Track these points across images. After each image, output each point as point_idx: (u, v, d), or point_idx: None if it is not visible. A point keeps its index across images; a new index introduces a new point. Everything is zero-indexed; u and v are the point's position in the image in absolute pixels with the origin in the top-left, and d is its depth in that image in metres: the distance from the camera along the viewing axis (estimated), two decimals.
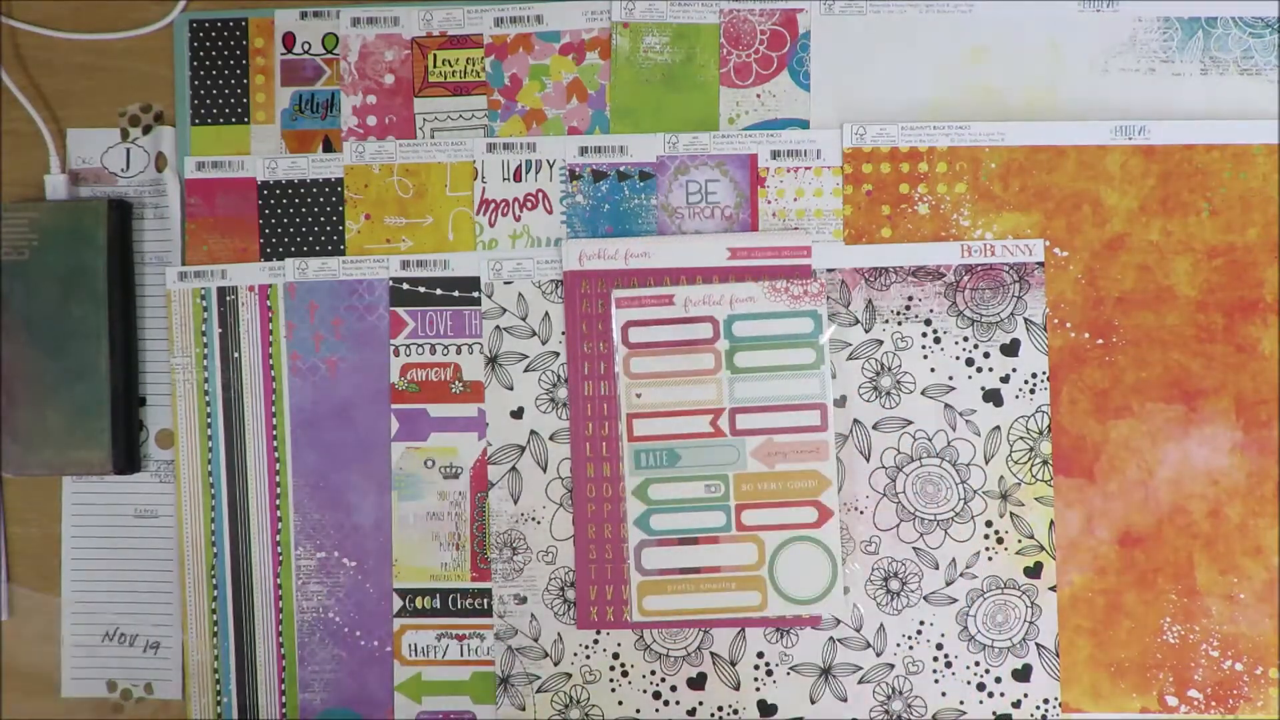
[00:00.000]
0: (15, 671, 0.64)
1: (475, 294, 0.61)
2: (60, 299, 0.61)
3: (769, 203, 0.61)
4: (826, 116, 0.61)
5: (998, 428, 0.60)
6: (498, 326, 0.61)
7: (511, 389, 0.61)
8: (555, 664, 0.61)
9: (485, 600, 0.61)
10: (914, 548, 0.60)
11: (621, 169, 0.61)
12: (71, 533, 0.63)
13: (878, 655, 0.60)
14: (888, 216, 0.60)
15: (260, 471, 0.62)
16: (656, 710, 0.61)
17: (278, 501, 0.62)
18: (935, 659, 0.60)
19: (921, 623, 0.60)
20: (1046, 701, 0.59)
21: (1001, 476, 0.60)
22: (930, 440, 0.60)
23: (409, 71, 0.62)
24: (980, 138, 0.60)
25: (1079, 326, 0.60)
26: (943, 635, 0.60)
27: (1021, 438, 0.60)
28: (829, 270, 0.60)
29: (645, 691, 0.61)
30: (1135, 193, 0.60)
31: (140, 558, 0.63)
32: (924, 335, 0.60)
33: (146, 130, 0.63)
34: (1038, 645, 0.60)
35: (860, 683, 0.60)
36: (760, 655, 0.60)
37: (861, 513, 0.60)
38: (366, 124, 0.62)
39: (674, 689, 0.61)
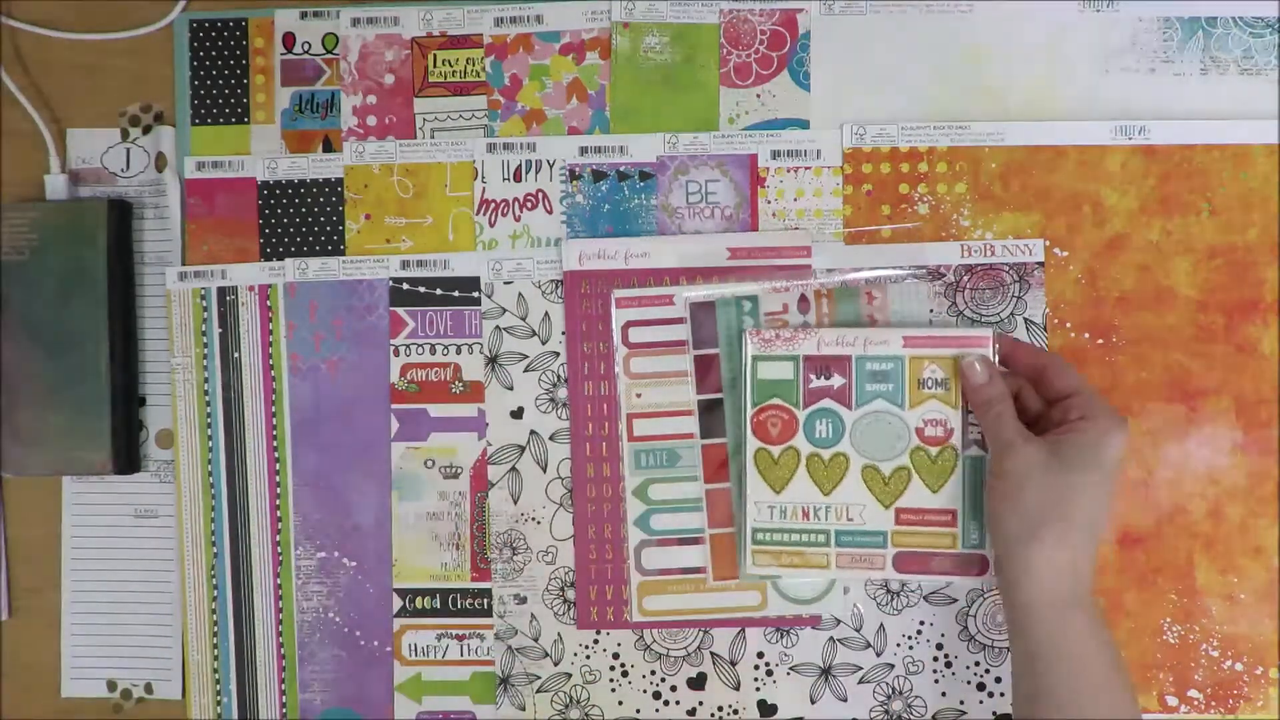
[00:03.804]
0: (15, 671, 0.64)
1: (475, 294, 0.61)
2: (60, 299, 0.61)
3: (769, 203, 0.61)
4: (826, 116, 0.61)
5: None
6: (498, 326, 0.61)
7: (511, 389, 0.61)
8: (555, 664, 0.61)
9: (485, 600, 0.61)
10: None
11: (621, 169, 0.61)
12: (71, 533, 0.63)
13: (878, 655, 0.60)
14: (888, 216, 0.60)
15: (260, 471, 0.62)
16: (656, 710, 0.61)
17: (278, 501, 0.62)
18: (935, 659, 0.60)
19: (921, 623, 0.60)
20: None
21: None
22: None
23: (409, 71, 0.62)
24: (980, 138, 0.60)
25: (1079, 326, 0.60)
26: (943, 635, 0.60)
27: None
28: (829, 270, 0.60)
29: (645, 691, 0.61)
30: (1135, 193, 0.60)
31: (140, 558, 0.63)
32: None
33: (146, 130, 0.63)
34: None
35: (860, 683, 0.60)
36: (760, 655, 0.60)
37: None
38: (366, 124, 0.62)
39: (674, 689, 0.61)
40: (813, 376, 0.57)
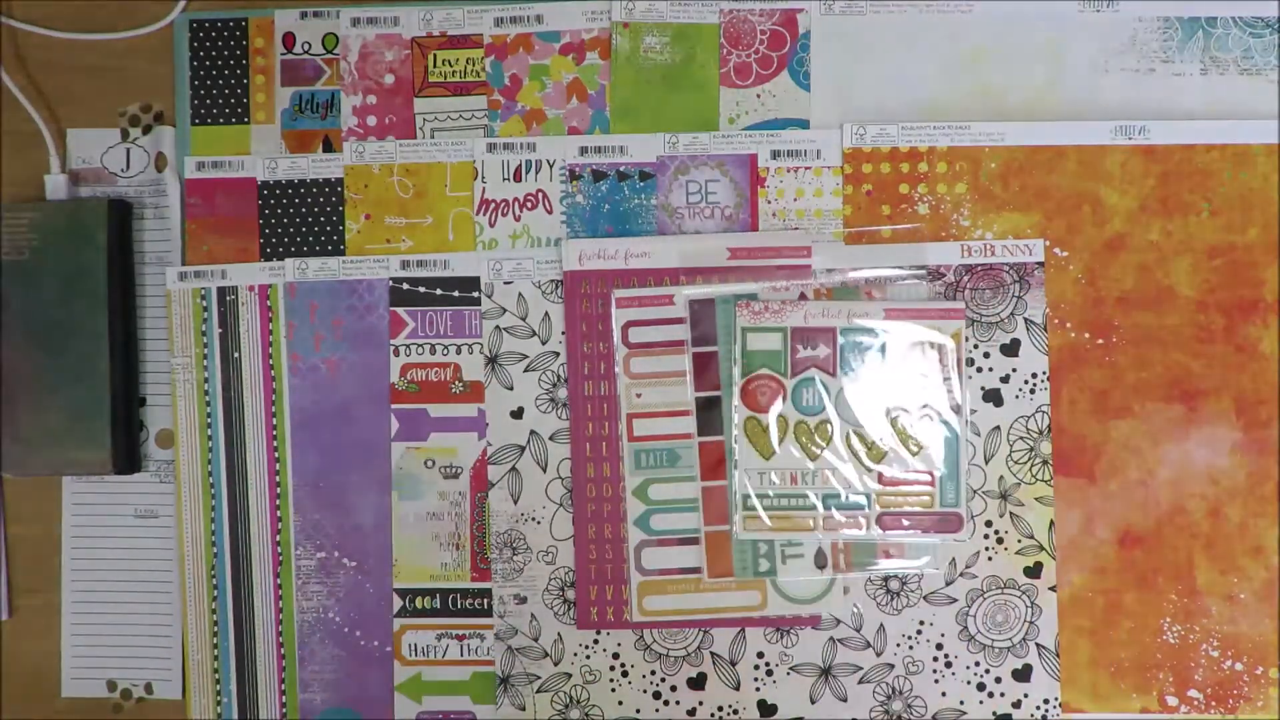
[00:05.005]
0: (15, 671, 0.64)
1: (475, 294, 0.61)
2: (60, 299, 0.61)
3: (769, 203, 0.61)
4: (826, 116, 0.61)
5: (998, 428, 0.60)
6: (498, 326, 0.61)
7: (511, 389, 0.61)
8: (555, 664, 0.61)
9: (485, 600, 0.61)
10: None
11: (621, 169, 0.61)
12: (71, 533, 0.63)
13: (878, 655, 0.60)
14: (888, 216, 0.60)
15: (260, 471, 0.62)
16: (656, 710, 0.61)
17: (278, 501, 0.62)
18: (935, 659, 0.60)
19: (921, 623, 0.60)
20: (1046, 702, 0.60)
21: (1001, 476, 0.60)
22: None
23: (409, 71, 0.62)
24: (980, 138, 0.60)
25: (1079, 326, 0.60)
26: (943, 635, 0.60)
27: (1021, 438, 0.60)
28: (829, 270, 0.60)
29: (645, 691, 0.61)
30: (1135, 193, 0.60)
31: (140, 558, 0.63)
32: None
33: (146, 130, 0.63)
34: (1038, 645, 0.60)
35: (860, 683, 0.60)
36: (760, 655, 0.60)
37: None
38: (366, 124, 0.62)
39: (674, 689, 0.61)
40: (799, 347, 0.59)
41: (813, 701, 0.60)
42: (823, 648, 0.60)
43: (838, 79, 0.61)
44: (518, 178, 0.62)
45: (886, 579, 0.60)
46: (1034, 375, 0.60)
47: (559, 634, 0.61)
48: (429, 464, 0.61)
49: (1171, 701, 0.59)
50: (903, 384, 0.59)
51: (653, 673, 0.61)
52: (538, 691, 0.61)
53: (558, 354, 0.61)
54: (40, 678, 0.63)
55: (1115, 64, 0.60)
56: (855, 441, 0.59)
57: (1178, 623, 0.59)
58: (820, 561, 0.59)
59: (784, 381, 0.59)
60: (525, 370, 0.61)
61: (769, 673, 0.60)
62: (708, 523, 0.60)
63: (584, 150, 0.61)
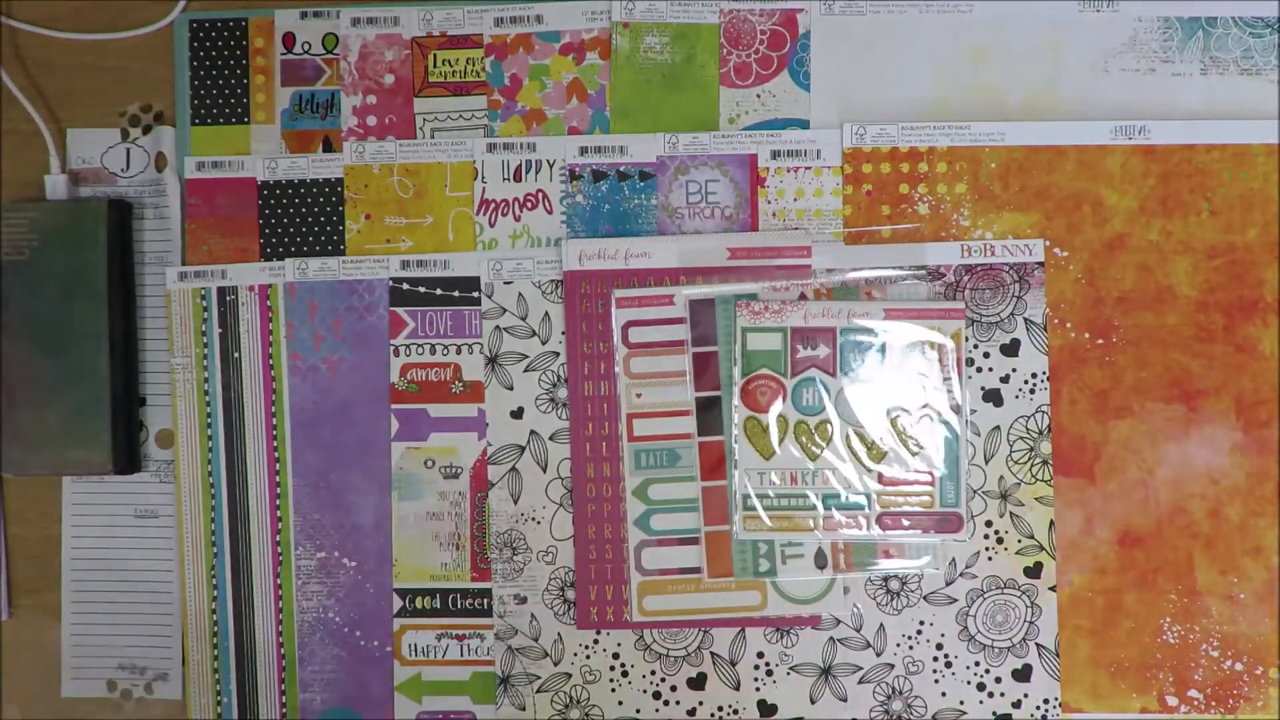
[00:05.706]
0: (15, 671, 0.64)
1: (475, 294, 0.61)
2: (60, 299, 0.61)
3: (769, 203, 0.61)
4: (826, 116, 0.61)
5: (998, 428, 0.60)
6: (498, 326, 0.61)
7: (511, 389, 0.61)
8: (555, 664, 0.61)
9: (485, 600, 0.61)
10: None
11: (621, 169, 0.61)
12: (71, 533, 0.63)
13: (878, 655, 0.60)
14: (888, 216, 0.60)
15: (260, 471, 0.62)
16: (656, 710, 0.61)
17: (278, 501, 0.62)
18: (935, 659, 0.60)
19: (921, 623, 0.60)
20: (1046, 701, 0.60)
21: (1001, 476, 0.60)
22: None
23: (409, 71, 0.62)
24: (980, 138, 0.60)
25: (1079, 326, 0.60)
26: (943, 635, 0.60)
27: (1021, 438, 0.60)
28: (829, 270, 0.60)
29: (645, 691, 0.61)
30: (1135, 193, 0.60)
31: (140, 558, 0.63)
32: None
33: (146, 130, 0.63)
34: (1038, 645, 0.60)
35: (860, 683, 0.60)
36: (760, 655, 0.60)
37: None
38: (366, 124, 0.62)
39: (674, 689, 0.61)
40: (799, 347, 0.59)
41: (813, 701, 0.60)
42: (823, 648, 0.60)
43: (838, 79, 0.61)
44: (518, 178, 0.62)
45: (886, 579, 0.60)
46: (1034, 375, 0.60)
47: (559, 634, 0.61)
48: (429, 464, 0.61)
49: (1171, 701, 0.60)
50: (903, 384, 0.59)
51: (653, 673, 0.61)
52: (538, 691, 0.61)
53: (558, 354, 0.61)
54: (40, 678, 0.63)
55: (1115, 64, 0.60)
56: (855, 441, 0.59)
57: (1178, 623, 0.59)
58: (820, 561, 0.60)
59: (784, 381, 0.60)
60: (525, 370, 0.61)
61: (769, 673, 0.60)
62: (708, 523, 0.60)
63: (584, 150, 0.61)
